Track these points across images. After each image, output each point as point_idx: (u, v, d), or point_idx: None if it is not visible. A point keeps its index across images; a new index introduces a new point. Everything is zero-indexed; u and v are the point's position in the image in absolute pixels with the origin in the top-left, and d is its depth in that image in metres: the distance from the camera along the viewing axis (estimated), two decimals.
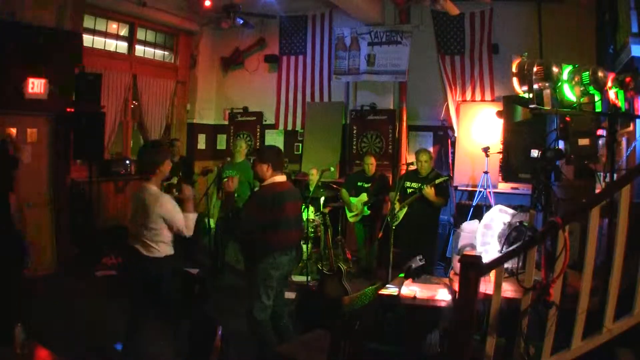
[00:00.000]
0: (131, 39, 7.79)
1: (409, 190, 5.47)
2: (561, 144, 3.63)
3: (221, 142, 9.10)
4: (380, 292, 3.68)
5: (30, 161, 5.84)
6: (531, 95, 3.35)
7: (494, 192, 6.47)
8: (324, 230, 5.90)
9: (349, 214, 6.22)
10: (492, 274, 2.72)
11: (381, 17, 7.33)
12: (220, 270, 6.07)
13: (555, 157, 3.52)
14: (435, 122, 7.31)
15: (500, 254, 3.02)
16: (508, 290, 3.01)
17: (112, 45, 7.63)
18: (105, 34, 7.44)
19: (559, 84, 3.33)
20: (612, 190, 2.56)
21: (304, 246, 5.98)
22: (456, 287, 2.95)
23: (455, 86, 7.11)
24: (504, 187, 6.63)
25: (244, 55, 8.74)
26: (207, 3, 7.08)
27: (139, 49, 7.98)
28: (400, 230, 5.36)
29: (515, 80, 3.42)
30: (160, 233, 3.38)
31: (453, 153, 7.10)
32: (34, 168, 5.91)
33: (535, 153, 3.74)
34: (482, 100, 6.96)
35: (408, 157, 7.07)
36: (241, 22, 7.44)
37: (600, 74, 3.23)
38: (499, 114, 6.15)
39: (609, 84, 3.35)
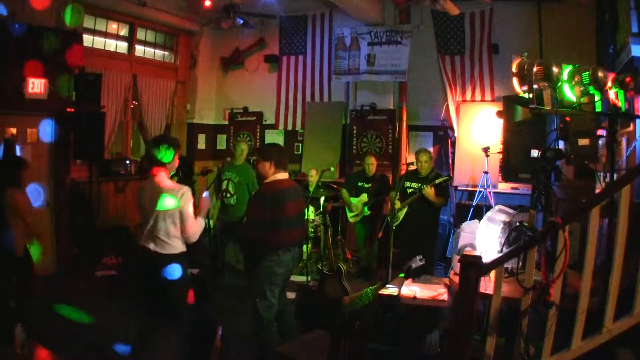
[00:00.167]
0: (131, 39, 7.79)
1: (409, 190, 5.47)
2: (561, 144, 3.63)
3: (221, 142, 9.10)
4: (380, 292, 3.68)
5: (31, 161, 5.83)
6: (531, 95, 3.34)
7: (494, 192, 6.47)
8: (324, 230, 5.90)
9: (349, 214, 6.22)
10: (492, 274, 2.72)
11: (381, 17, 7.33)
12: (220, 270, 6.06)
13: (555, 157, 3.52)
14: (435, 122, 7.32)
15: (500, 254, 3.02)
16: (508, 290, 3.00)
17: (112, 45, 7.63)
18: (105, 34, 7.44)
19: (559, 84, 3.32)
20: (612, 190, 2.56)
21: (304, 246, 5.98)
22: (456, 287, 2.95)
23: (455, 86, 7.11)
24: (504, 187, 6.64)
25: (244, 55, 8.74)
26: (207, 3, 7.08)
27: (139, 49, 7.98)
28: (400, 230, 5.36)
29: (515, 80, 3.42)
30: (176, 227, 3.32)
31: (453, 153, 7.10)
32: (34, 168, 5.90)
33: (535, 153, 3.74)
34: (482, 100, 6.96)
35: (408, 157, 7.07)
36: (241, 22, 7.44)
37: (600, 74, 3.23)
38: (499, 114, 6.15)
39: (609, 84, 3.35)
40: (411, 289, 3.67)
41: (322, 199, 6.20)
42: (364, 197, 6.05)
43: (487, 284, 2.93)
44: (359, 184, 6.15)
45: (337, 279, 4.84)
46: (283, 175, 3.72)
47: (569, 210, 2.73)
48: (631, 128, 4.10)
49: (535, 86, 3.32)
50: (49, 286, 5.42)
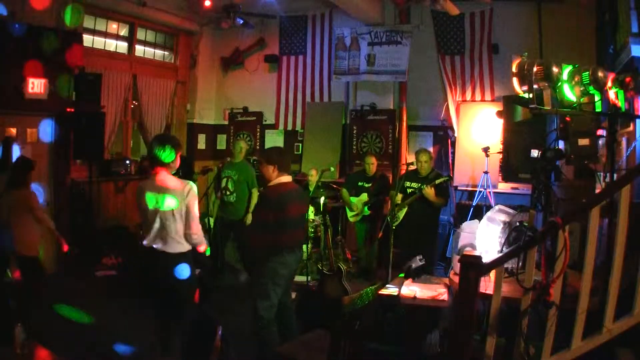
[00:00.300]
0: (131, 39, 7.79)
1: (409, 190, 5.47)
2: (561, 144, 3.63)
3: (221, 142, 9.10)
4: (380, 292, 3.69)
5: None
6: (531, 95, 3.34)
7: (494, 192, 6.47)
8: (324, 230, 5.90)
9: (349, 214, 6.22)
10: (492, 274, 2.72)
11: (381, 17, 7.33)
12: (220, 270, 6.06)
13: (555, 157, 3.52)
14: (435, 122, 7.31)
15: (500, 254, 3.02)
16: (508, 290, 3.01)
17: (112, 45, 7.63)
18: (105, 34, 7.44)
19: (559, 84, 3.32)
20: (612, 190, 2.56)
21: (304, 246, 5.97)
22: (456, 287, 2.95)
23: (455, 86, 7.11)
24: (504, 187, 6.64)
25: (244, 55, 8.74)
26: (207, 3, 7.08)
27: (139, 49, 7.98)
28: (400, 230, 5.37)
29: (515, 80, 3.41)
30: (183, 226, 3.28)
31: (453, 153, 7.10)
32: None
33: (535, 153, 3.74)
34: (482, 100, 6.96)
35: (408, 157, 7.07)
36: (241, 22, 7.44)
37: (600, 74, 3.22)
38: (499, 114, 6.15)
39: (609, 84, 3.35)
40: (411, 289, 3.67)
41: (322, 199, 6.20)
42: (364, 196, 6.05)
43: (487, 284, 2.93)
44: (359, 183, 6.16)
45: (337, 279, 4.84)
46: (287, 178, 3.77)
47: (569, 210, 2.73)
48: (631, 128, 4.10)
49: (535, 86, 3.32)
50: (49, 286, 5.43)
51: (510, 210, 3.68)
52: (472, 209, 6.38)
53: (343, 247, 6.39)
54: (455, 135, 7.03)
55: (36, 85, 5.69)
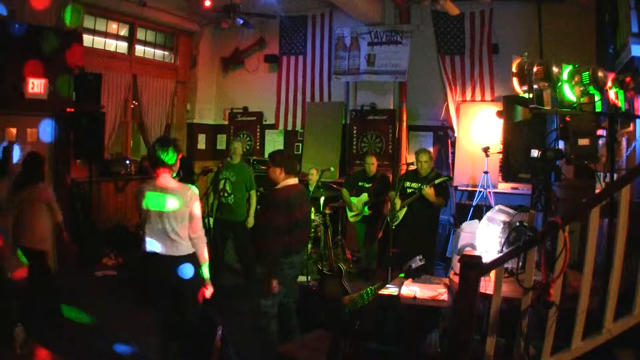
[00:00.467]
0: (131, 39, 7.80)
1: (409, 190, 5.47)
2: (561, 144, 3.63)
3: (221, 142, 9.10)
4: (380, 292, 3.69)
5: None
6: (531, 95, 3.34)
7: (494, 192, 6.47)
8: (324, 230, 5.90)
9: (349, 214, 6.22)
10: (492, 274, 2.72)
11: (381, 17, 7.33)
12: (220, 270, 6.06)
13: (555, 157, 3.51)
14: (435, 122, 7.32)
15: (500, 254, 3.02)
16: (508, 290, 3.01)
17: (112, 45, 7.63)
18: (105, 34, 7.45)
19: (559, 84, 3.32)
20: (612, 190, 2.56)
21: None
22: (456, 287, 2.95)
23: (455, 86, 7.11)
24: (504, 187, 6.64)
25: (244, 55, 8.74)
26: (207, 3, 7.08)
27: (139, 49, 7.98)
28: (400, 230, 5.36)
29: (515, 80, 3.41)
30: (185, 228, 3.26)
31: (453, 153, 7.10)
32: None
33: (535, 153, 3.73)
34: (482, 100, 6.96)
35: (408, 157, 7.07)
36: (241, 22, 7.44)
37: (600, 74, 3.22)
38: (499, 114, 6.15)
39: (609, 84, 3.35)
40: (411, 289, 3.67)
41: (322, 199, 6.20)
42: (365, 196, 6.05)
43: (487, 284, 2.92)
44: (360, 183, 6.15)
45: (337, 279, 4.84)
46: (293, 181, 3.81)
47: (569, 210, 2.73)
48: (631, 128, 4.11)
49: (535, 86, 3.32)
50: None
51: (510, 210, 3.67)
52: (472, 209, 6.38)
53: (343, 247, 6.39)
54: (455, 135, 7.03)
55: (36, 85, 5.70)
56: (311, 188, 6.08)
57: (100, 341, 4.04)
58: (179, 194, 3.24)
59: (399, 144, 7.42)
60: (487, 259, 2.59)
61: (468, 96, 7.05)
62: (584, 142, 3.30)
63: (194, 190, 3.32)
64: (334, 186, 6.75)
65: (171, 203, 3.22)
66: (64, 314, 4.41)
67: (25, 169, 4.32)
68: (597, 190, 3.82)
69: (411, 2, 7.02)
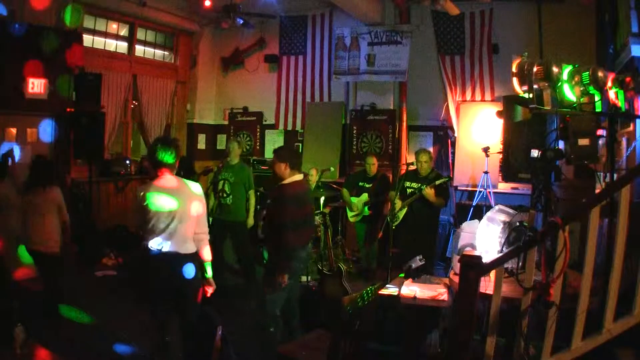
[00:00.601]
0: (131, 39, 7.80)
1: (409, 191, 5.47)
2: (561, 144, 3.63)
3: (221, 142, 9.10)
4: (380, 292, 3.68)
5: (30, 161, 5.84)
6: (531, 95, 3.34)
7: (494, 192, 6.47)
8: (324, 230, 5.90)
9: (349, 214, 6.22)
10: (492, 274, 2.72)
11: (381, 17, 7.33)
12: (220, 270, 6.05)
13: (555, 157, 3.51)
14: (435, 122, 7.32)
15: (500, 254, 3.02)
16: (508, 290, 3.01)
17: (112, 45, 7.63)
18: (105, 34, 7.45)
19: (559, 84, 3.32)
20: (612, 190, 2.56)
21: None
22: (456, 287, 2.95)
23: (455, 86, 7.11)
24: (504, 187, 6.64)
25: (244, 55, 8.74)
26: (207, 3, 7.08)
27: (139, 49, 7.98)
28: (400, 230, 5.36)
29: (515, 80, 3.41)
30: (190, 225, 3.26)
31: (453, 153, 7.10)
32: None
33: (535, 153, 3.73)
34: (482, 100, 6.96)
35: (408, 157, 7.07)
36: (241, 22, 7.44)
37: (600, 74, 3.22)
38: (499, 114, 6.15)
39: (609, 84, 3.35)
40: (411, 289, 3.67)
41: (322, 199, 6.21)
42: (365, 196, 6.05)
43: (487, 284, 2.92)
44: (360, 183, 6.15)
45: (337, 279, 4.84)
46: (299, 177, 3.85)
47: (569, 210, 2.73)
48: (631, 128, 4.10)
49: (535, 86, 3.32)
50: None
51: (510, 210, 3.67)
52: (472, 209, 6.38)
53: (343, 247, 6.39)
54: (455, 135, 7.03)
55: (36, 85, 5.70)
56: (311, 188, 6.08)
57: (100, 341, 4.04)
58: (182, 192, 3.24)
59: (399, 144, 7.42)
60: (487, 259, 2.59)
61: (468, 96, 7.05)
62: (584, 142, 3.29)
63: (198, 188, 3.33)
64: (334, 186, 6.75)
65: (175, 202, 3.20)
66: (63, 314, 4.41)
67: (34, 174, 4.28)
68: (597, 190, 3.82)
69: (411, 2, 7.02)
